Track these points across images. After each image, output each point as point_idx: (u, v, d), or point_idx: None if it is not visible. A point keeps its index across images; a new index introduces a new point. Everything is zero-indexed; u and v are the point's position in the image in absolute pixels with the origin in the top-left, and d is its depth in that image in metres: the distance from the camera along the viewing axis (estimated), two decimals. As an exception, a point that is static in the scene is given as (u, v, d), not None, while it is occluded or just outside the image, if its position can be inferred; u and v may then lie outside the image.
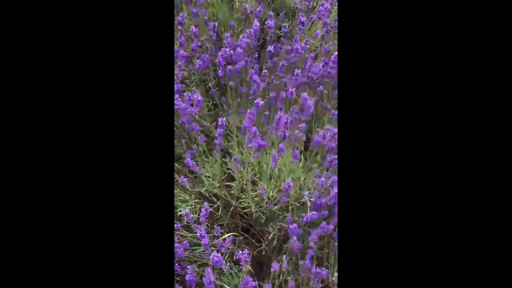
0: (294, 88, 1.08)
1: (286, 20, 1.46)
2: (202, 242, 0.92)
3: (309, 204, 0.96)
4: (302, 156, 1.12)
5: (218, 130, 1.00)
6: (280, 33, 1.33)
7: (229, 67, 1.16)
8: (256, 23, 1.23)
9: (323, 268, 0.94)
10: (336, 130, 1.04)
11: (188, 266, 0.94)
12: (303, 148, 1.13)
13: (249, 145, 0.97)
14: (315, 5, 1.42)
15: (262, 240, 1.15)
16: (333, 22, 1.29)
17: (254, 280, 0.92)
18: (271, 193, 1.04)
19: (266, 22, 1.25)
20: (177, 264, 0.99)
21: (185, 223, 1.04)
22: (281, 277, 1.01)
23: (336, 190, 0.94)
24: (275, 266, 0.93)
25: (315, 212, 0.96)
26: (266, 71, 1.20)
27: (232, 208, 1.12)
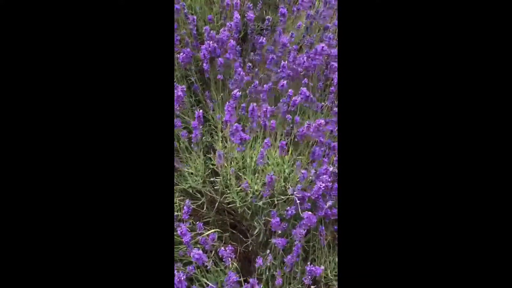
0: (285, 81, 1.07)
1: (270, 12, 1.44)
2: (183, 240, 0.90)
3: (297, 200, 0.95)
4: (290, 149, 1.11)
5: (193, 122, 0.98)
6: (263, 26, 1.31)
7: (220, 59, 1.14)
8: (237, 15, 1.21)
9: (317, 266, 0.92)
10: (322, 121, 1.03)
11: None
12: (290, 141, 1.12)
13: (232, 138, 0.96)
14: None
15: (249, 235, 1.13)
16: (314, 13, 1.27)
17: (239, 277, 0.91)
18: (255, 187, 1.03)
19: (246, 15, 1.24)
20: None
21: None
22: (267, 272, 1.00)
23: (319, 184, 0.93)
24: (259, 261, 0.92)
25: (293, 207, 0.95)
26: (250, 64, 1.18)
27: (217, 204, 1.10)
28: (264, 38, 1.21)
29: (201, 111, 0.97)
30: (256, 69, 1.23)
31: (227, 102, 0.99)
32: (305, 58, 1.22)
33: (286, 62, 1.15)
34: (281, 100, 1.09)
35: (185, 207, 0.95)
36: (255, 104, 0.97)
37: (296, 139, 1.07)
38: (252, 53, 1.26)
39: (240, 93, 0.97)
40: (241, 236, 1.17)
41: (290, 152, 1.08)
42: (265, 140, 0.98)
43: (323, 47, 1.20)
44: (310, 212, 0.92)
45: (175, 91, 1.06)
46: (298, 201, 0.96)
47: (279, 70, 1.16)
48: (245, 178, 1.04)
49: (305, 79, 1.20)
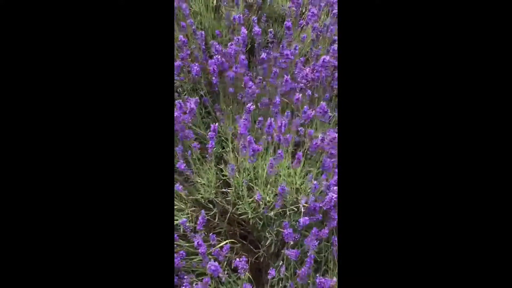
0: (300, 95, 1.09)
1: (276, 26, 1.48)
2: (199, 251, 0.90)
3: (302, 210, 0.96)
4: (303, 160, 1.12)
5: (209, 133, 1.00)
6: (269, 39, 1.34)
7: (229, 73, 1.17)
8: (244, 30, 1.24)
9: (327, 278, 0.93)
10: (335, 134, 1.05)
11: (185, 277, 0.93)
12: (303, 153, 1.13)
13: (244, 151, 0.97)
14: (303, 11, 1.44)
15: (260, 246, 1.14)
16: (322, 27, 1.31)
17: (252, 287, 0.91)
18: (267, 198, 1.04)
19: (253, 29, 1.27)
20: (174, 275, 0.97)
21: (182, 233, 1.03)
22: (280, 284, 1.00)
23: (331, 195, 0.94)
24: (272, 272, 0.92)
25: (307, 218, 0.96)
26: (260, 77, 1.21)
27: (228, 214, 1.11)
28: (265, 52, 1.24)
29: (216, 124, 0.99)
30: (264, 82, 1.25)
31: (239, 115, 1.01)
32: (309, 70, 1.24)
33: (289, 75, 1.18)
34: (296, 116, 1.11)
35: (200, 218, 0.95)
36: (272, 119, 0.99)
37: (308, 152, 1.09)
38: (259, 67, 1.29)
39: (254, 106, 1.00)
40: (252, 247, 1.17)
41: (302, 163, 1.10)
42: (278, 151, 1.00)
43: (324, 58, 1.23)
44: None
45: (187, 103, 1.08)
46: (303, 210, 0.97)
47: (282, 83, 1.18)
48: (257, 189, 1.05)
49: (309, 90, 1.22)
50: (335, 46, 1.31)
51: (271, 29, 1.31)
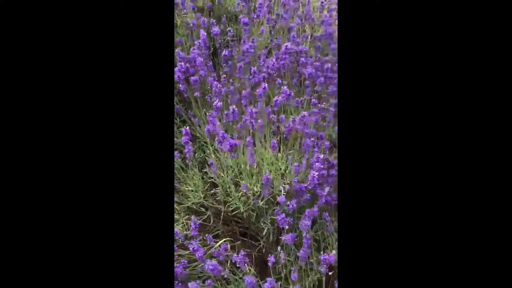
0: (266, 84, 1.11)
1: (232, 24, 1.50)
2: (197, 255, 0.91)
3: (283, 191, 0.98)
4: (281, 146, 1.15)
5: (183, 138, 1.01)
6: (229, 37, 1.36)
7: (193, 77, 1.18)
8: (203, 32, 1.26)
9: (330, 254, 0.94)
10: (305, 113, 1.07)
11: (189, 283, 0.94)
12: (280, 139, 1.16)
13: (221, 146, 0.99)
14: (255, 5, 1.47)
15: (259, 238, 1.15)
16: (275, 17, 1.34)
17: (258, 279, 0.92)
18: (255, 189, 1.06)
19: (211, 31, 1.29)
20: (180, 284, 0.98)
21: (180, 242, 1.04)
22: (285, 270, 1.01)
23: (313, 173, 0.96)
24: (271, 259, 0.94)
25: (295, 200, 0.97)
26: (224, 76, 1.23)
27: (222, 213, 1.12)
28: (227, 51, 1.26)
29: (187, 127, 1.01)
30: (231, 80, 1.27)
31: (208, 113, 1.02)
32: (274, 59, 1.27)
33: (256, 67, 1.20)
34: (258, 100, 1.13)
35: (192, 223, 0.96)
36: (252, 107, 1.01)
37: (284, 136, 1.11)
38: (224, 65, 1.31)
39: (221, 103, 1.01)
40: (252, 241, 1.19)
41: (281, 149, 1.12)
42: (247, 139, 1.01)
43: (287, 45, 1.25)
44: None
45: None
46: (283, 192, 0.99)
47: (251, 76, 1.20)
48: (242, 182, 1.07)
49: (279, 79, 1.25)
50: (293, 33, 1.34)
51: (230, 28, 1.33)
